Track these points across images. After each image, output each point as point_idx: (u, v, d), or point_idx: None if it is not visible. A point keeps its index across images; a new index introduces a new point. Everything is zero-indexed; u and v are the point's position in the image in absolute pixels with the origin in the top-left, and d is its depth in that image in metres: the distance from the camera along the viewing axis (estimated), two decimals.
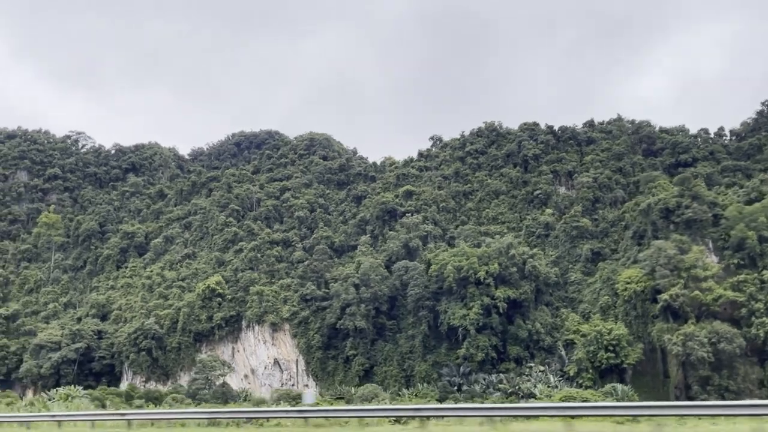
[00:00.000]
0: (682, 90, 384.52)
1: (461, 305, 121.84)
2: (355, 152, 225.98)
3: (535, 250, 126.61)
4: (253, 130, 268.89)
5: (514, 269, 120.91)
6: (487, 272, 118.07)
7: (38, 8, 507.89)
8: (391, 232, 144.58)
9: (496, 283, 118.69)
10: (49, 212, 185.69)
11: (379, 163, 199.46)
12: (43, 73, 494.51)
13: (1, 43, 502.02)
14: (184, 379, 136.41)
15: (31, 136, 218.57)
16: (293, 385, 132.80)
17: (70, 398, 73.73)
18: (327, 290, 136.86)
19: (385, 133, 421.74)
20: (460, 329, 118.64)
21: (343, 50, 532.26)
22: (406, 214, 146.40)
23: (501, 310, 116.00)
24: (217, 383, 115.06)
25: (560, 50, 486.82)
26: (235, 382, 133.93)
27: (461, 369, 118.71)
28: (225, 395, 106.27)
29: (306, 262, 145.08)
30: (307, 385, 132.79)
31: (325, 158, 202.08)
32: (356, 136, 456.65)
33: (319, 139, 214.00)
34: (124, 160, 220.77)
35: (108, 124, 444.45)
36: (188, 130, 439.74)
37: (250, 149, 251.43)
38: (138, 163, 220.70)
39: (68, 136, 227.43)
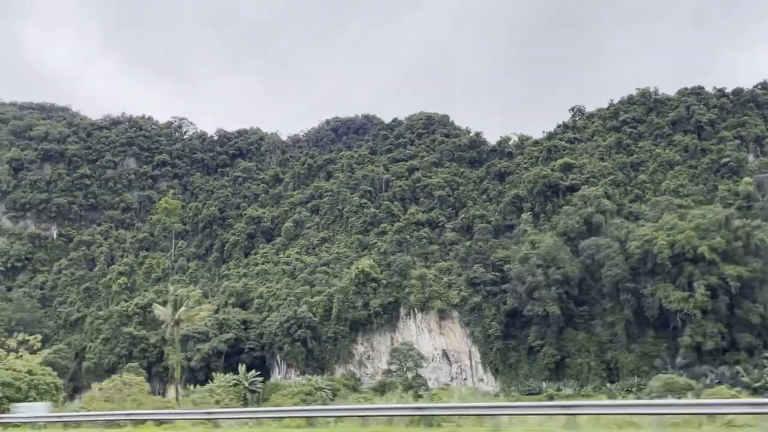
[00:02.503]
0: None
1: (673, 287, 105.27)
2: (468, 131, 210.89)
3: (757, 221, 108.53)
4: (348, 115, 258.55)
5: (739, 244, 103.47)
6: (710, 247, 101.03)
7: None
8: (565, 207, 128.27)
9: (720, 260, 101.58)
10: (168, 198, 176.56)
11: (493, 140, 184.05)
12: (132, 60, 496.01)
13: (91, 31, 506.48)
14: (339, 372, 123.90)
15: (136, 122, 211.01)
16: (465, 379, 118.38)
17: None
18: (496, 273, 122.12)
19: (482, 110, 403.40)
20: (678, 314, 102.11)
21: (437, 29, 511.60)
22: (582, 187, 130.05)
23: (734, 290, 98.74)
24: (410, 375, 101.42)
25: (678, 21, 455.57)
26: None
27: (677, 360, 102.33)
28: (419, 387, 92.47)
29: (467, 243, 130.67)
30: (482, 379, 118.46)
31: (447, 136, 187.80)
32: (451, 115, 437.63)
33: (437, 118, 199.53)
34: (230, 146, 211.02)
35: (197, 110, 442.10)
36: (278, 115, 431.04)
37: (348, 134, 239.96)
38: (245, 148, 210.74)
39: (171, 122, 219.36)
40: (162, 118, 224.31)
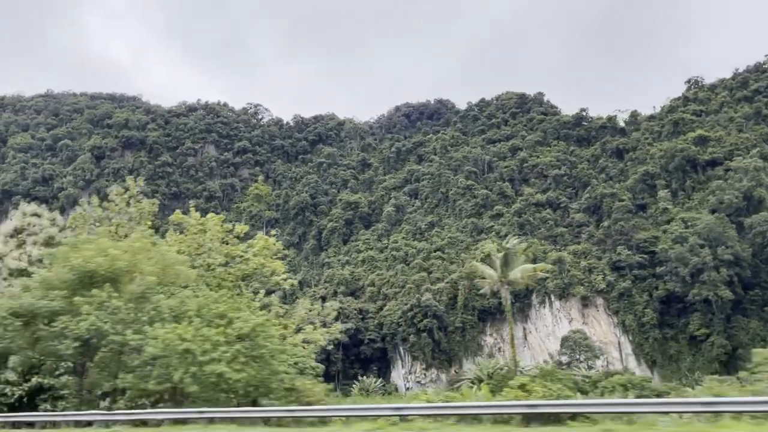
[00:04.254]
0: None
1: None
2: (559, 110, 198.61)
3: None
4: (419, 101, 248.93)
5: None
6: None
7: None
8: (717, 182, 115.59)
9: None
10: (259, 184, 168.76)
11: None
12: (194, 47, 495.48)
13: (154, 20, 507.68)
14: (466, 366, 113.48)
15: (213, 108, 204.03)
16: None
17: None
18: (643, 255, 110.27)
19: (557, 88, 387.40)
20: None
21: (507, 10, 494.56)
22: (736, 159, 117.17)
23: None
24: (583, 367, 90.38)
25: None
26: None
27: None
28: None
29: (605, 224, 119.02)
30: (634, 373, 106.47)
31: (545, 114, 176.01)
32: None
33: (531, 96, 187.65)
34: (309, 132, 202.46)
35: (260, 96, 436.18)
36: (341, 100, 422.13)
37: (421, 119, 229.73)
38: (324, 134, 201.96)
39: (246, 109, 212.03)
40: (250, 103, 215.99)
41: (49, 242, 32.48)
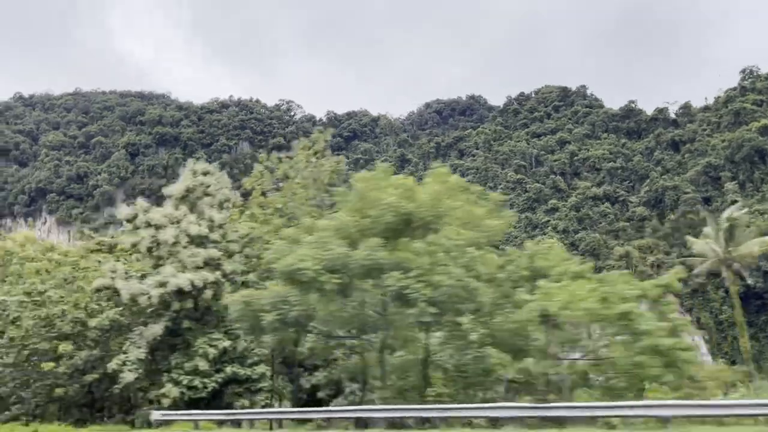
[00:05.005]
0: None
1: None
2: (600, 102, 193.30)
3: None
4: (449, 97, 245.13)
5: None
6: None
7: None
8: None
9: None
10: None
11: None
12: (214, 45, 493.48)
13: (178, 17, 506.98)
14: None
15: (246, 105, 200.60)
16: None
17: None
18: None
19: (584, 83, 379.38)
20: None
21: (530, 2, 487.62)
22: None
23: None
24: None
25: None
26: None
27: None
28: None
29: (674, 217, 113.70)
30: None
31: (589, 107, 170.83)
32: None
33: (573, 89, 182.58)
34: (343, 128, 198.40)
35: (283, 93, 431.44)
36: (363, 97, 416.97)
37: (453, 116, 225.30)
38: (359, 130, 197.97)
39: (278, 105, 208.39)
40: (283, 99, 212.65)
41: (223, 204, 28.43)
